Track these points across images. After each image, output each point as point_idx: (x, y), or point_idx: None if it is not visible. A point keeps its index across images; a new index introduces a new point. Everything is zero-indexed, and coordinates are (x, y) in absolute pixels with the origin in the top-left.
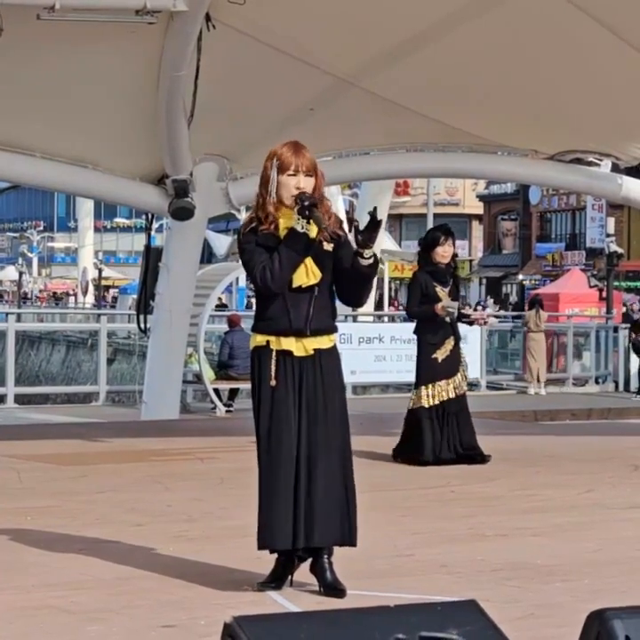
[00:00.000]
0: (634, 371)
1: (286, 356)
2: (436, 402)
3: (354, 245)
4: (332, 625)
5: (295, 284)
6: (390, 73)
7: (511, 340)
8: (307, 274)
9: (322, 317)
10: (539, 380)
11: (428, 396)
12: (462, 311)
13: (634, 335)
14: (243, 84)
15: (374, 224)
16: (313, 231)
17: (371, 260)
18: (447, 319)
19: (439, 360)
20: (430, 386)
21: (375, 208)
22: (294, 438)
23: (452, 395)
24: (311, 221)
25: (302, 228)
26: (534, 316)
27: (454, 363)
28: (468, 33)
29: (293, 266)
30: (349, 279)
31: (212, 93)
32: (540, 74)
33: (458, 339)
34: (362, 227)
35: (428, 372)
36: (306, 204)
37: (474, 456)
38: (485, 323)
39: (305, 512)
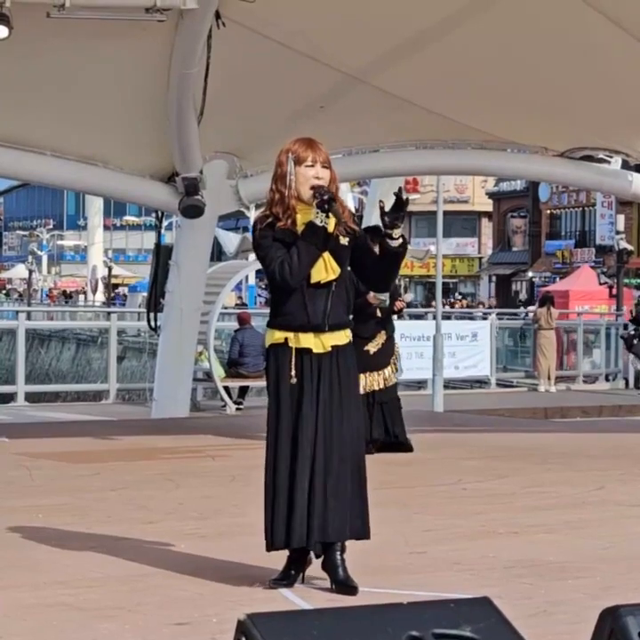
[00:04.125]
0: None
1: (305, 354)
2: (366, 391)
3: (382, 228)
4: (345, 622)
5: (314, 280)
6: (400, 70)
7: (521, 338)
8: (326, 269)
9: (339, 312)
10: (549, 378)
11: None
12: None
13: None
14: (252, 82)
15: (400, 204)
16: (331, 225)
17: (400, 241)
18: (378, 313)
19: (371, 352)
20: (361, 376)
21: (400, 188)
22: (312, 436)
23: (381, 386)
24: (330, 215)
25: (321, 221)
26: (545, 313)
27: (386, 355)
28: (478, 29)
29: (312, 260)
30: (379, 264)
31: (221, 91)
32: (550, 70)
33: (390, 332)
34: (387, 208)
35: (358, 362)
36: (325, 197)
37: (398, 444)
38: (400, 308)
39: (320, 508)
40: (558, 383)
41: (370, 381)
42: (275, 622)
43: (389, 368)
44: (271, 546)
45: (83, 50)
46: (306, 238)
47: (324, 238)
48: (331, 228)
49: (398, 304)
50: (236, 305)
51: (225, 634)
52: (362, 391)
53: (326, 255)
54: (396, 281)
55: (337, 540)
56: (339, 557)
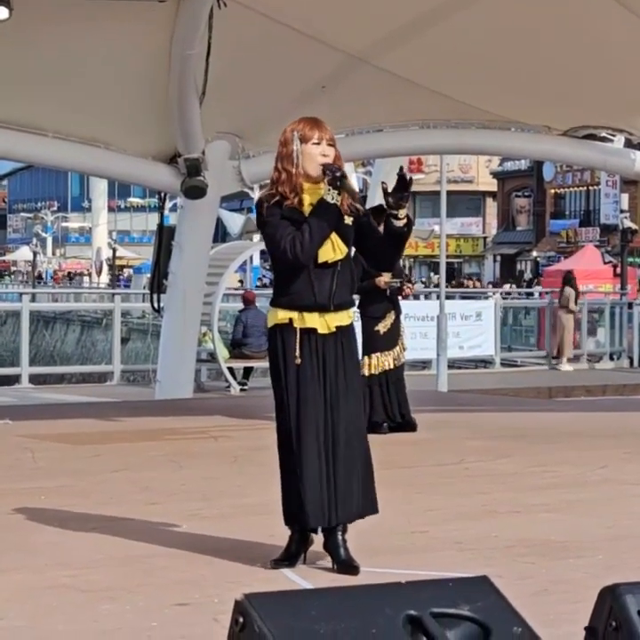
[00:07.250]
0: None
1: (310, 334)
2: (378, 371)
3: (386, 209)
4: (343, 602)
5: (321, 260)
6: (402, 50)
7: (526, 317)
8: (333, 249)
9: (344, 292)
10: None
11: (369, 365)
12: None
13: None
14: (254, 62)
15: (403, 184)
16: (342, 202)
17: (405, 220)
18: (388, 293)
19: (381, 332)
20: (373, 356)
21: (401, 168)
22: (322, 416)
23: (391, 365)
24: (341, 192)
25: (333, 198)
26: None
27: (395, 335)
28: (481, 10)
29: (323, 237)
30: (383, 244)
31: (223, 72)
32: (553, 50)
33: (398, 313)
34: (390, 189)
35: (370, 343)
36: (337, 174)
37: (405, 425)
38: (408, 294)
39: (328, 490)
40: (571, 362)
41: (381, 361)
42: (272, 602)
43: (398, 347)
44: (286, 522)
45: (84, 31)
46: (317, 215)
47: (336, 215)
48: (342, 205)
49: (407, 291)
50: (257, 286)
51: (226, 614)
52: (374, 371)
53: (333, 235)
54: (402, 262)
55: (344, 521)
56: (340, 538)
